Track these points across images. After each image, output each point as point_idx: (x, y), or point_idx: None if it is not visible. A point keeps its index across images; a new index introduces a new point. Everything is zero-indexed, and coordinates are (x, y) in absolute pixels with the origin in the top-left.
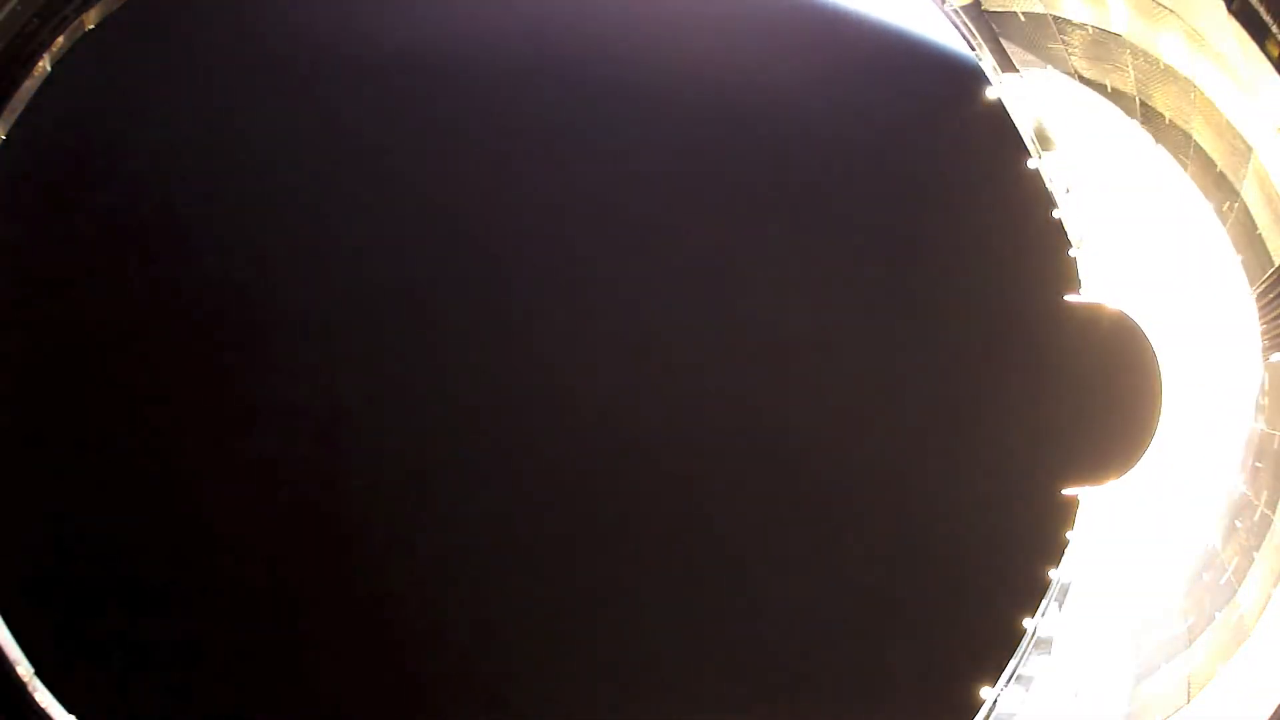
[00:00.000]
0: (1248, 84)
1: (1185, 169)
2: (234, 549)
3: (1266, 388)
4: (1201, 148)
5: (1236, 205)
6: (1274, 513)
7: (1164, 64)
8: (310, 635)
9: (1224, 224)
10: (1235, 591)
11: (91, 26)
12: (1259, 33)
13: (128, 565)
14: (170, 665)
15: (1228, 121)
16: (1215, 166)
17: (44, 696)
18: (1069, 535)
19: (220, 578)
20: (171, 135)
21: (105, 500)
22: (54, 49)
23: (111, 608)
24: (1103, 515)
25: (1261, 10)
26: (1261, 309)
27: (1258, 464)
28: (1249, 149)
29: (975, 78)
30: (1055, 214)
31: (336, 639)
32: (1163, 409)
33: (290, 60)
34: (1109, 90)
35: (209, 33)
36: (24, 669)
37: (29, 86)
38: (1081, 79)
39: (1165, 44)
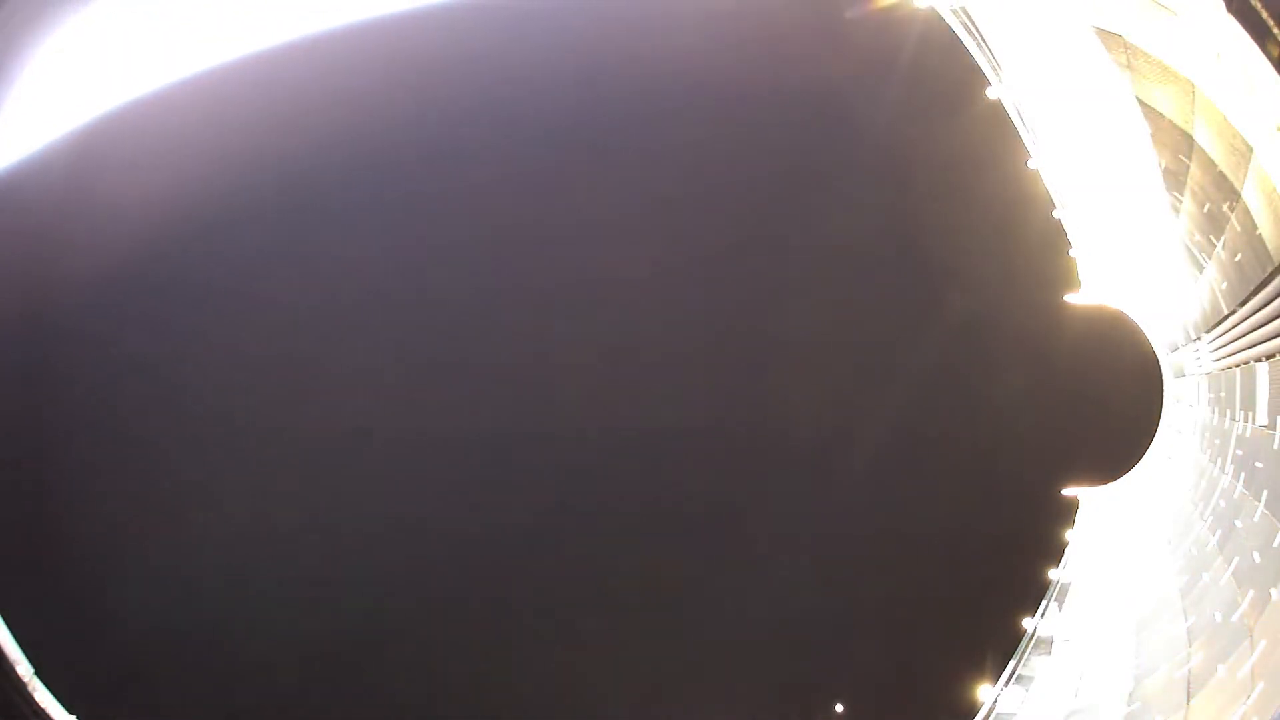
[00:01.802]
0: (1248, 84)
1: (1188, 169)
2: (232, 550)
3: (1267, 387)
4: (1201, 148)
5: (1237, 205)
6: (1274, 513)
7: (1164, 64)
8: (306, 633)
9: (1224, 223)
10: (1235, 592)
11: None
12: (1259, 33)
13: (130, 567)
14: (169, 665)
15: (1228, 121)
16: (1215, 166)
17: (44, 696)
18: (1069, 535)
19: (219, 579)
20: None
21: (108, 507)
22: None
23: (111, 609)
24: (1103, 515)
25: (1261, 10)
26: (1261, 308)
27: (1258, 464)
28: (1249, 149)
29: (975, 78)
30: (1055, 214)
31: (335, 639)
32: (1163, 409)
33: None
34: (1108, 90)
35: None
36: (24, 669)
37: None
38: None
39: (1165, 44)
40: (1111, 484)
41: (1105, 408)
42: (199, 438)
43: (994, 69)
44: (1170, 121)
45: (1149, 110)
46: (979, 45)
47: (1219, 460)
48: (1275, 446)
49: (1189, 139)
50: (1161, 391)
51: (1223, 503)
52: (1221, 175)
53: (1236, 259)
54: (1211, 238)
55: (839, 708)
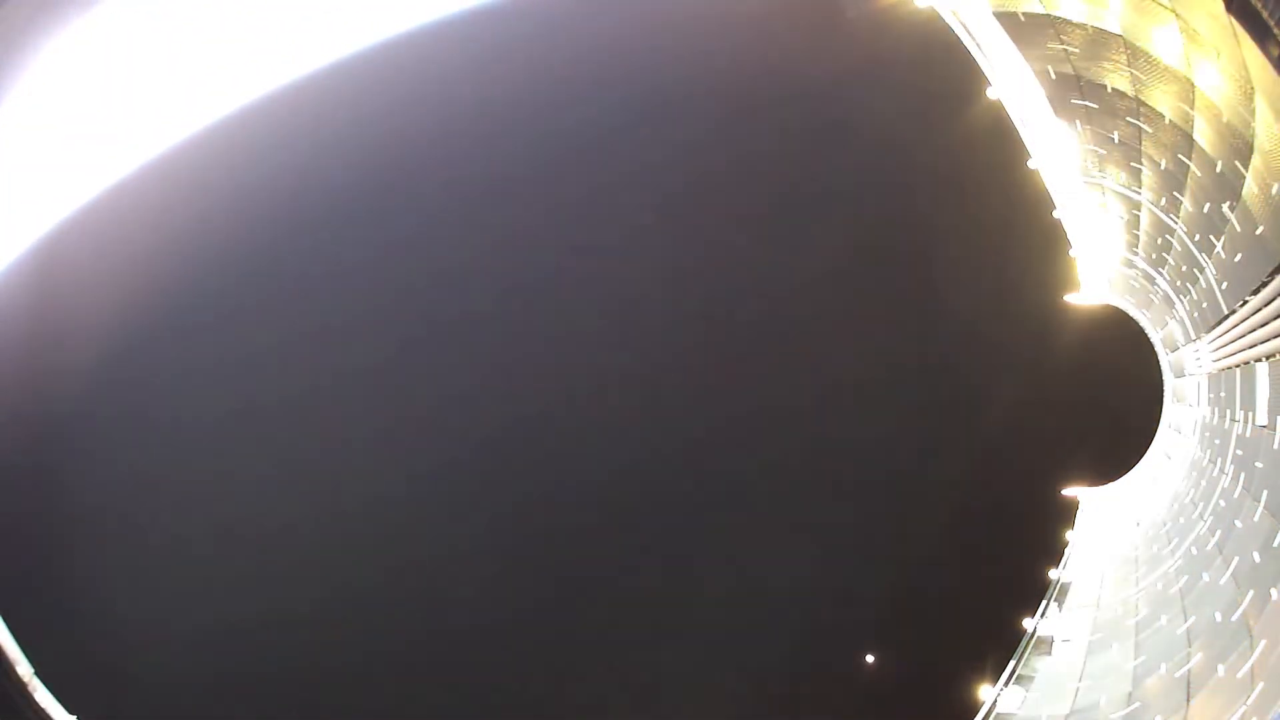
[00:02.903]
0: (1247, 84)
1: (1188, 169)
2: (231, 554)
3: (1267, 387)
4: (1201, 148)
5: (1237, 205)
6: (1274, 513)
7: (1164, 64)
8: (305, 634)
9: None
10: (1235, 592)
11: None
12: (1259, 33)
13: (130, 570)
14: (169, 666)
15: (1228, 121)
16: (1215, 166)
17: (44, 696)
18: (1069, 535)
19: (219, 582)
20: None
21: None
22: None
23: (111, 609)
24: (1103, 515)
25: (1261, 10)
26: (1261, 308)
27: (1258, 464)
28: (1249, 149)
29: (975, 78)
30: (1055, 214)
31: (334, 642)
32: (1163, 409)
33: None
34: (1108, 90)
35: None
36: (24, 669)
37: None
38: (1081, 79)
39: (1164, 44)
40: (1111, 484)
41: (1105, 407)
42: (200, 444)
43: (994, 69)
44: (1170, 121)
45: (1149, 110)
46: (978, 46)
47: (1219, 460)
48: (1275, 446)
49: (1189, 139)
50: (1161, 391)
51: (1223, 503)
52: (1222, 175)
53: (1236, 259)
54: (1211, 238)
55: (869, 658)
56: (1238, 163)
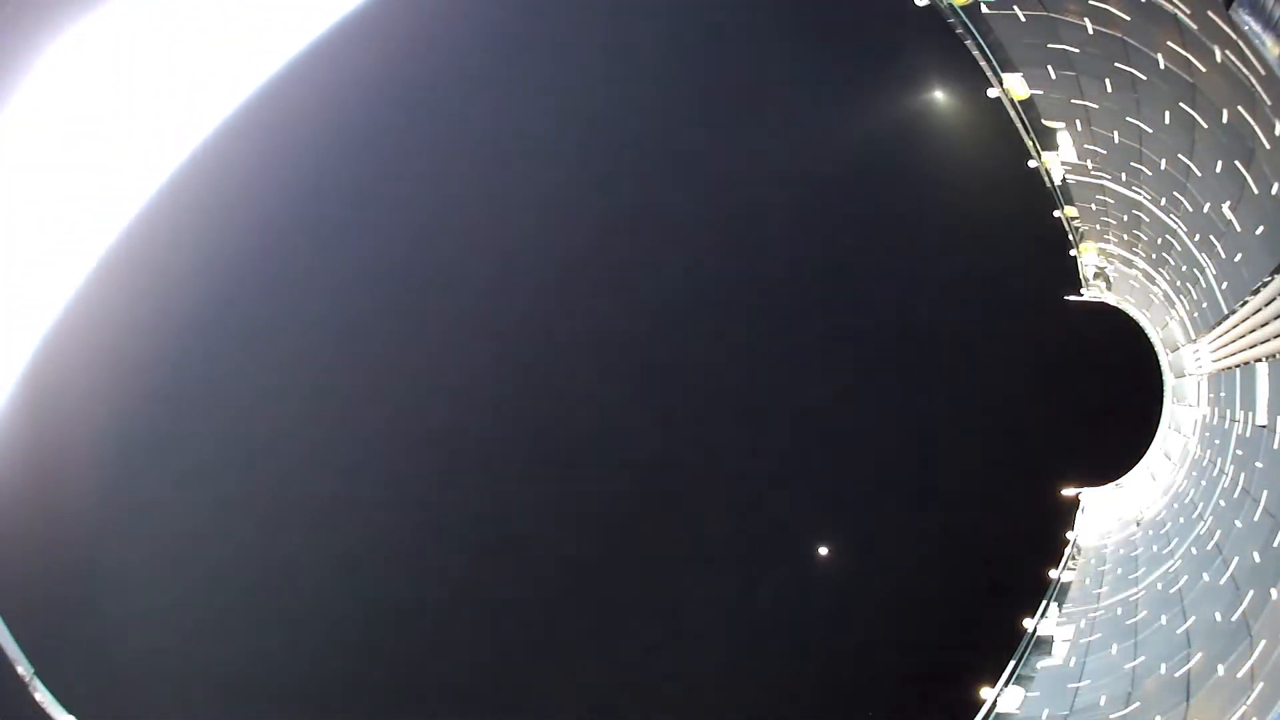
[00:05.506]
0: (1248, 84)
1: (1188, 169)
2: (232, 553)
3: (1267, 387)
4: (1202, 147)
5: (1238, 206)
6: (1274, 513)
7: (1164, 64)
8: (303, 634)
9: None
10: (1235, 591)
11: None
12: (1259, 32)
13: (130, 570)
14: (168, 666)
15: (1228, 121)
16: (1216, 166)
17: (44, 696)
18: (1069, 535)
19: (218, 581)
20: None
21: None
22: None
23: (110, 610)
24: (1103, 515)
25: (1262, 9)
26: (1262, 308)
27: (1258, 464)
28: (1249, 150)
29: (975, 78)
30: (1055, 214)
31: (332, 641)
32: (1163, 409)
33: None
34: (1109, 90)
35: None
36: (24, 669)
37: None
38: (1081, 79)
39: (1165, 43)
40: (1111, 484)
41: (1105, 407)
42: (201, 443)
43: (994, 69)
44: (1170, 121)
45: (1149, 110)
46: (978, 45)
47: (1219, 460)
48: (1275, 446)
49: (1189, 138)
50: (1161, 391)
51: (1223, 503)
52: (1221, 175)
53: (1236, 259)
54: (1211, 238)
55: (823, 551)
56: (1238, 163)
